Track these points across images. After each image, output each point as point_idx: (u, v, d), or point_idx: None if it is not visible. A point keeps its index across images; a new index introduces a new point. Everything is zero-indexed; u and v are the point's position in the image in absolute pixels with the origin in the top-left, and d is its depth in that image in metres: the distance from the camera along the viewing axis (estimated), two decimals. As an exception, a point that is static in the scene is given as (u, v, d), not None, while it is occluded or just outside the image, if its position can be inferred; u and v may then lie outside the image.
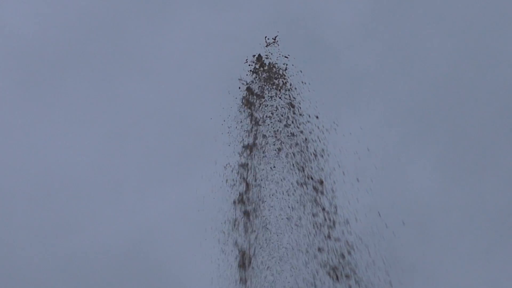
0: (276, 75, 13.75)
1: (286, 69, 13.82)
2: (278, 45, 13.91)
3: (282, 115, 13.58)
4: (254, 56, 13.85)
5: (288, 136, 13.47)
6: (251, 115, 13.41)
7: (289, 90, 13.74)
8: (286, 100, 13.60)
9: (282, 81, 13.73)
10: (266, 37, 13.83)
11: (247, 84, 13.60)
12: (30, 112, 17.21)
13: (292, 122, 13.55)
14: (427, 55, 17.22)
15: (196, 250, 12.69)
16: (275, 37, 13.89)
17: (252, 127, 13.33)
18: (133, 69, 17.36)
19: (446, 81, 16.99)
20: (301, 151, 13.39)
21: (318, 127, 13.60)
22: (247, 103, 13.48)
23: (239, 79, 13.70)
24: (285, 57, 13.84)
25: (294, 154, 13.36)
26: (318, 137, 13.56)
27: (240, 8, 16.89)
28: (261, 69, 13.76)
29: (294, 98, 13.74)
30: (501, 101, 16.62)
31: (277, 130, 13.52)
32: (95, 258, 15.58)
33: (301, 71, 13.85)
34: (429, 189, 15.97)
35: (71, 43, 17.67)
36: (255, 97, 13.53)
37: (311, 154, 13.41)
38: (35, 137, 17.01)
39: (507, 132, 16.36)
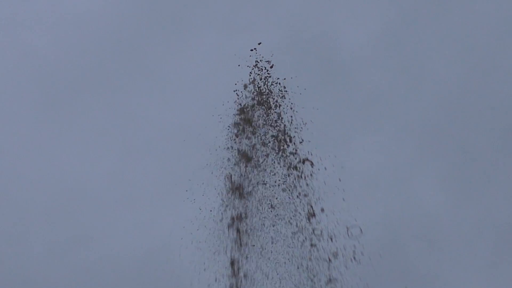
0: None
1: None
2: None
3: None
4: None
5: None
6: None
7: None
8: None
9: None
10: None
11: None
12: (49, 129, 17.55)
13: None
14: (436, 75, 17.51)
15: (207, 262, 12.90)
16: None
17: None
18: (150, 88, 17.54)
19: (454, 100, 17.27)
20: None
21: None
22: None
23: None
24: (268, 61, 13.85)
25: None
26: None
27: (255, 30, 17.04)
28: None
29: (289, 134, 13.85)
30: (508, 119, 16.88)
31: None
32: (110, 270, 15.76)
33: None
34: (437, 204, 16.26)
35: (89, 64, 18.02)
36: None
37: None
38: (53, 154, 17.35)
39: (513, 149, 16.77)
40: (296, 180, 13.42)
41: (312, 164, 13.34)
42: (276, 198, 13.38)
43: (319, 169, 13.44)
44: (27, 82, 17.89)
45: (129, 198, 16.60)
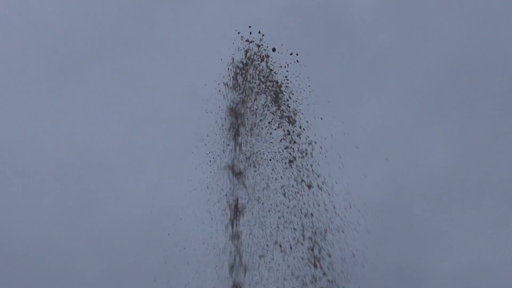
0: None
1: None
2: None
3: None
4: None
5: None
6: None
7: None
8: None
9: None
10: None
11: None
12: (59, 97, 17.72)
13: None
14: (440, 37, 17.69)
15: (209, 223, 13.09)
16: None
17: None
18: (156, 55, 17.57)
19: (458, 61, 17.45)
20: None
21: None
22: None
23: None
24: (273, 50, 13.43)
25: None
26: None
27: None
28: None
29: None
30: (510, 80, 17.13)
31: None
32: (119, 231, 16.00)
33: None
34: (442, 163, 16.57)
35: (98, 31, 18.09)
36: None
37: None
38: (62, 120, 17.62)
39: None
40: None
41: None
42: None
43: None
44: (36, 49, 18.01)
45: (137, 162, 16.81)
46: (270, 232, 12.95)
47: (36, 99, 17.72)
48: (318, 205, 12.81)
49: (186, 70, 17.00)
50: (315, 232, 12.65)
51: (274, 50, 13.41)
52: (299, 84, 13.28)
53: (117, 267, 15.58)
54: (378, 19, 17.48)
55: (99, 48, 18.00)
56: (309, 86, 13.22)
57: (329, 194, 12.83)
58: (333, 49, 15.64)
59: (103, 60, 17.89)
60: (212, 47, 16.56)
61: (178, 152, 15.44)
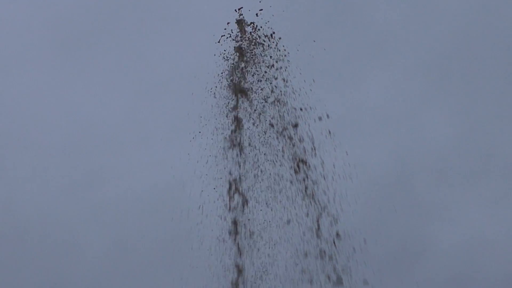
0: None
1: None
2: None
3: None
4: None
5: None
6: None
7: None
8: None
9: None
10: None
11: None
12: (65, 71, 17.78)
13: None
14: (445, 12, 17.63)
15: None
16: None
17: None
18: (163, 30, 17.50)
19: (463, 36, 17.46)
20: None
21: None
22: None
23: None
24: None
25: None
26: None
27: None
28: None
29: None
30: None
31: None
32: (124, 205, 16.17)
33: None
34: (446, 137, 16.62)
35: (103, 6, 18.02)
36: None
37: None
38: (70, 94, 17.71)
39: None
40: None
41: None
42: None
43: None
44: (42, 25, 17.99)
45: (143, 136, 16.88)
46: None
47: (42, 73, 17.82)
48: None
49: (193, 44, 16.99)
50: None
51: (296, 125, 12.28)
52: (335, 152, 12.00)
53: (122, 241, 15.76)
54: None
55: (106, 22, 18.07)
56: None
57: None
58: (338, 24, 15.67)
59: (109, 34, 18.01)
60: (218, 21, 16.55)
61: (184, 126, 15.42)
